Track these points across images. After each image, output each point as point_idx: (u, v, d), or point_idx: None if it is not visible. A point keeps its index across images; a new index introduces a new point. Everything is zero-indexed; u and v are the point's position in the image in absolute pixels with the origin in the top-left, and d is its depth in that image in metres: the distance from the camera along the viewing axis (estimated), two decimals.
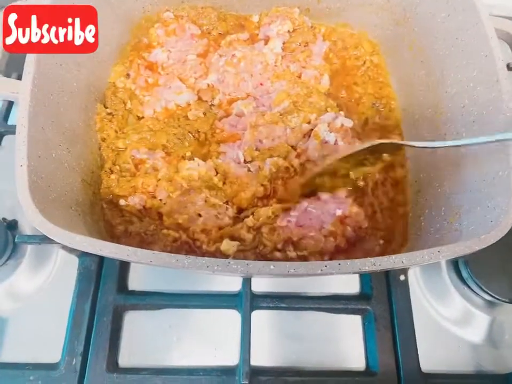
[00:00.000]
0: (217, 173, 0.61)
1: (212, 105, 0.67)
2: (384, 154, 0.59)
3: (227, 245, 0.52)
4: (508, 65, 0.53)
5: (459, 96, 0.54)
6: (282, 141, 0.64)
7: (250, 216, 0.56)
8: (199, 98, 0.67)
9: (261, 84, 0.68)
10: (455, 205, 0.49)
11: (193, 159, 0.61)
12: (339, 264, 0.38)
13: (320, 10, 0.74)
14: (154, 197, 0.58)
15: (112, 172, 0.60)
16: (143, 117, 0.65)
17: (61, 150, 0.52)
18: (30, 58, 0.47)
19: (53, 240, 0.41)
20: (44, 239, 0.59)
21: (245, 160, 0.62)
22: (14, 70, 0.70)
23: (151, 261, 0.38)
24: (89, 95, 0.62)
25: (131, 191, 0.58)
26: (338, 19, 0.75)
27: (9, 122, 0.72)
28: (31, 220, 0.40)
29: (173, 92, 0.66)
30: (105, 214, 0.58)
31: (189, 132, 0.64)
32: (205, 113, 0.66)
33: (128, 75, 0.67)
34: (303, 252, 0.55)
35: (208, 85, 0.68)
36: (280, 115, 0.65)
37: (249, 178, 0.59)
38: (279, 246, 0.55)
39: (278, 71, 0.69)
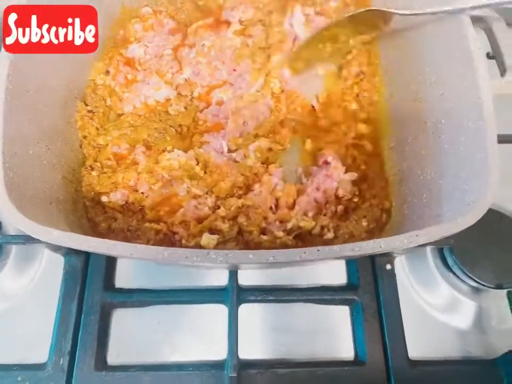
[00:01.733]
0: (198, 162, 0.60)
1: (192, 98, 0.67)
2: None
3: (206, 239, 0.52)
4: (487, 54, 0.53)
5: (437, 84, 0.54)
6: (266, 115, 0.64)
7: (222, 207, 0.56)
8: (179, 93, 0.67)
9: (234, 70, 0.68)
10: (436, 191, 0.50)
11: (173, 151, 0.60)
12: (318, 250, 0.38)
13: None
14: (136, 191, 0.58)
15: (93, 168, 0.59)
16: (123, 114, 0.65)
17: (40, 148, 0.51)
18: (4, 55, 0.47)
19: (37, 240, 0.40)
20: (28, 239, 0.58)
21: (230, 150, 0.62)
22: None
23: (131, 254, 0.38)
24: (69, 92, 0.61)
25: (112, 187, 0.58)
26: None
27: None
28: (7, 216, 0.40)
29: (152, 88, 0.65)
30: (88, 211, 0.57)
31: (171, 126, 0.63)
32: (186, 107, 0.65)
33: (107, 72, 0.66)
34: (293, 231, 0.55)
35: (186, 80, 0.67)
36: (258, 91, 0.66)
37: (230, 168, 0.59)
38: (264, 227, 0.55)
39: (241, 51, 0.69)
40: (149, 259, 0.38)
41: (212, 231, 0.54)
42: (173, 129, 0.63)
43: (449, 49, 0.51)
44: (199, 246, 0.52)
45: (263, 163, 0.62)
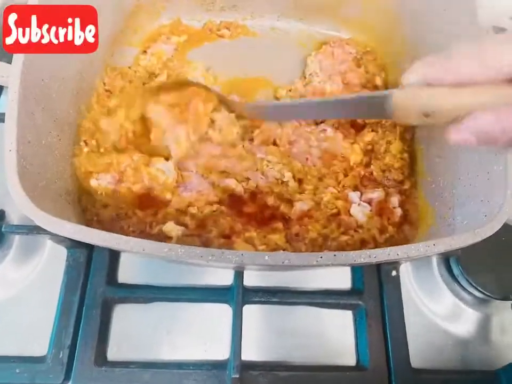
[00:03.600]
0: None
1: None
2: None
3: (170, 226, 0.52)
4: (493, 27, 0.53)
5: None
6: None
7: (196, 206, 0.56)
8: None
9: None
10: (449, 200, 0.49)
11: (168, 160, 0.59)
12: (334, 255, 0.38)
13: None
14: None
15: (87, 144, 0.58)
16: None
17: (51, 137, 0.51)
18: None
19: (41, 230, 0.40)
20: (32, 229, 0.58)
21: None
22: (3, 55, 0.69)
23: (144, 250, 0.37)
24: (80, 82, 0.60)
25: (103, 168, 0.57)
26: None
27: None
28: (20, 206, 0.39)
29: None
30: (81, 199, 0.56)
31: None
32: None
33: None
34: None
35: None
36: None
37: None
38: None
39: None
40: (162, 256, 0.38)
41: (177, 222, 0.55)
42: None
43: None
44: (162, 233, 0.53)
45: None
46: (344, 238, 0.55)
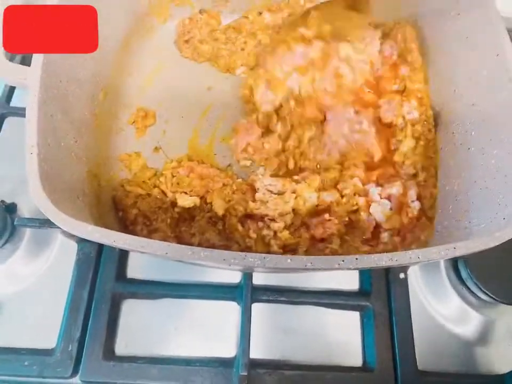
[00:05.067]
0: None
1: None
2: None
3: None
4: None
5: (468, 95, 0.54)
6: None
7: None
8: None
9: None
10: (464, 203, 0.50)
11: None
12: (356, 258, 0.38)
13: None
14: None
15: None
16: None
17: (69, 140, 0.51)
18: None
19: (53, 224, 0.40)
20: (44, 223, 0.58)
21: None
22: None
23: (166, 253, 0.38)
24: (95, 84, 0.61)
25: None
26: None
27: (12, 104, 0.71)
28: (44, 210, 0.39)
29: None
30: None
31: None
32: None
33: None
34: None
35: None
36: None
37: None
38: None
39: None
40: (184, 259, 0.38)
41: None
42: None
43: (484, 62, 0.51)
44: None
45: None
46: (365, 248, 0.56)
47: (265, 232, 0.57)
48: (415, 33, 0.65)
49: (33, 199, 0.39)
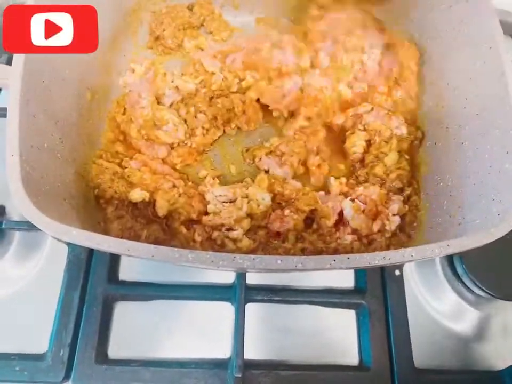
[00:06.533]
0: None
1: None
2: None
3: None
4: None
5: (461, 89, 0.53)
6: None
7: None
8: None
9: None
10: (458, 199, 0.49)
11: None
12: (348, 258, 0.37)
13: None
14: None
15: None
16: None
17: (54, 140, 0.50)
18: None
19: None
20: (33, 226, 0.56)
21: None
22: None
23: (152, 256, 0.37)
24: (81, 82, 0.59)
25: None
26: None
27: None
28: (25, 212, 0.38)
29: None
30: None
31: None
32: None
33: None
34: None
35: None
36: None
37: None
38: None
39: None
40: (170, 262, 0.37)
41: None
42: None
43: (476, 55, 0.50)
44: None
45: None
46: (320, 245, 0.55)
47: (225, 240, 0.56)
48: (418, 55, 0.65)
49: (14, 203, 0.39)
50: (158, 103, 0.64)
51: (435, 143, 0.55)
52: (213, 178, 0.61)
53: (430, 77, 0.59)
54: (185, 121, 0.63)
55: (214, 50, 0.69)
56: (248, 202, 0.56)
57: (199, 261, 0.37)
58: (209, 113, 0.63)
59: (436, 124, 0.56)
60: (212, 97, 0.65)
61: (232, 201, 0.57)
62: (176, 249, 0.37)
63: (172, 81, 0.65)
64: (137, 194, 0.56)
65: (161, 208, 0.56)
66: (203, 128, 0.63)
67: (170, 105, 0.64)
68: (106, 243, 0.38)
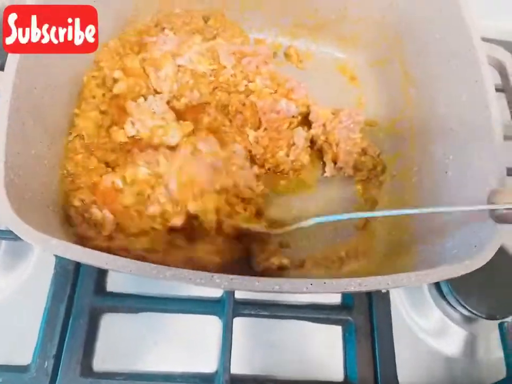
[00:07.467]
0: None
1: None
2: None
3: None
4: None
5: (447, 118, 0.54)
6: None
7: None
8: None
9: None
10: (438, 229, 0.50)
11: None
12: (324, 283, 0.38)
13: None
14: None
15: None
16: None
17: (42, 147, 0.50)
18: None
19: None
20: None
21: None
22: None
23: (130, 270, 0.37)
24: (72, 88, 0.59)
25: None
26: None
27: None
28: (5, 219, 0.38)
29: None
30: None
31: None
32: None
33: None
34: None
35: None
36: None
37: None
38: None
39: None
40: (148, 277, 0.37)
41: None
42: None
43: (463, 84, 0.52)
44: None
45: None
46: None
47: None
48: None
49: None
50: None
51: (420, 170, 0.57)
52: None
53: (419, 103, 0.60)
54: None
55: (235, 48, 0.69)
56: None
57: (176, 278, 0.37)
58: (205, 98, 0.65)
59: (421, 152, 0.57)
60: (216, 88, 0.66)
61: None
62: (154, 265, 0.37)
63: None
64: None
65: None
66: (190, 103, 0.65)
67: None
68: (85, 255, 0.38)
